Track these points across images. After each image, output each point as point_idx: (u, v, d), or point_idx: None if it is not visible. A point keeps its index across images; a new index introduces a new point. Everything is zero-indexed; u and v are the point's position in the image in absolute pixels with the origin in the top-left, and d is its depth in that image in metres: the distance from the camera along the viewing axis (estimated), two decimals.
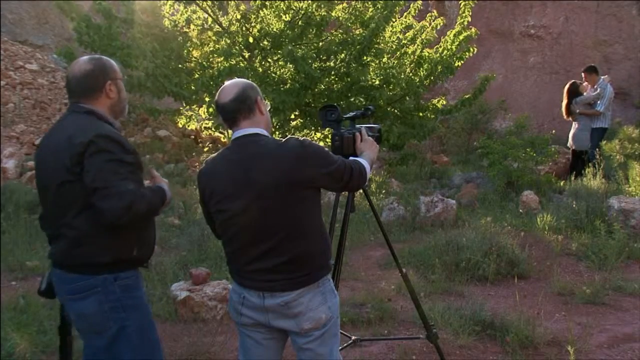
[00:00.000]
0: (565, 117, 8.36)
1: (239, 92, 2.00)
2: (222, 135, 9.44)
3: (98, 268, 1.96)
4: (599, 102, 7.74)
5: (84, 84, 2.04)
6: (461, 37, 8.23)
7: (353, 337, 3.26)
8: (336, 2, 8.06)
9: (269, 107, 2.15)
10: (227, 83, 2.08)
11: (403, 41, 8.64)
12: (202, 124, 9.00)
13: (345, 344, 3.11)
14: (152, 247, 2.16)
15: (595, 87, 7.84)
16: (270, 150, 1.94)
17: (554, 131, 9.20)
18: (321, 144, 2.18)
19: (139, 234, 2.04)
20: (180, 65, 7.74)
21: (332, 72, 7.77)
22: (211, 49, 7.97)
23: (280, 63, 7.79)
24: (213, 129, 8.58)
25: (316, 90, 7.75)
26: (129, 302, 2.01)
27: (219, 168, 2.02)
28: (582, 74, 8.11)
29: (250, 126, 2.01)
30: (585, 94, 7.97)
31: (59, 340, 2.24)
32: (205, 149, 10.22)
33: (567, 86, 8.23)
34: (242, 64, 7.62)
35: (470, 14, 8.33)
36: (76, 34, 7.14)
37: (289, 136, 2.00)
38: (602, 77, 8.03)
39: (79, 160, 1.89)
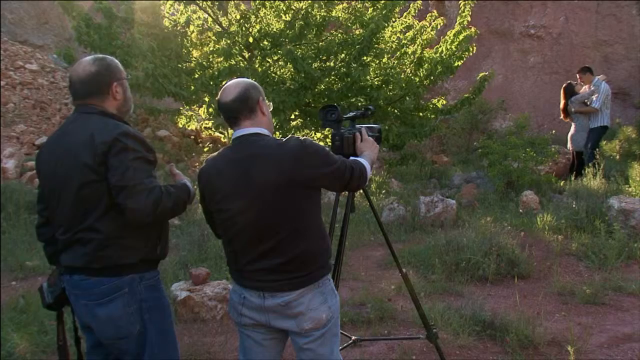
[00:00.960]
0: (563, 118, 8.38)
1: (241, 91, 2.00)
2: (222, 135, 9.44)
3: (124, 269, 1.94)
4: (594, 98, 7.76)
5: (90, 86, 2.00)
6: (461, 37, 8.23)
7: (353, 337, 3.26)
8: (336, 2, 8.06)
9: (271, 108, 2.14)
10: (229, 82, 2.07)
11: (403, 41, 8.64)
12: (202, 124, 9.00)
13: (345, 344, 3.11)
14: (168, 245, 2.16)
15: (590, 86, 7.88)
16: (271, 150, 1.94)
17: (554, 131, 9.21)
18: (321, 144, 2.17)
19: (161, 232, 2.04)
20: (180, 65, 7.74)
21: (332, 72, 7.77)
22: (211, 49, 7.97)
23: (280, 63, 7.79)
24: (213, 129, 8.58)
25: (316, 90, 7.75)
26: (153, 303, 2.00)
27: (220, 167, 2.02)
28: (577, 75, 8.15)
29: (251, 126, 2.00)
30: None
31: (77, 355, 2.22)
32: (205, 149, 10.22)
33: (563, 87, 8.27)
34: (242, 64, 7.62)
35: (470, 13, 8.34)
36: (76, 34, 7.14)
37: (289, 136, 2.00)
38: (597, 76, 8.06)
39: (103, 160, 1.86)
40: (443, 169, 9.88)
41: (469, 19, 8.30)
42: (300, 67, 6.99)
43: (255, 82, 2.10)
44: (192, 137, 11.37)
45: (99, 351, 2.15)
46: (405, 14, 8.76)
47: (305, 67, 6.99)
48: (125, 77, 2.11)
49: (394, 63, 8.34)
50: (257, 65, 7.82)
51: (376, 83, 7.78)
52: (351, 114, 2.64)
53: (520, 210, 6.45)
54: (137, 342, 1.98)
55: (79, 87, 2.01)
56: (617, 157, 9.75)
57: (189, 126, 9.19)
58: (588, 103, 7.89)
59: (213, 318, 3.89)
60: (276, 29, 7.80)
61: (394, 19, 8.09)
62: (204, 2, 8.07)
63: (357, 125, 2.55)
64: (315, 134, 8.33)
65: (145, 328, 1.98)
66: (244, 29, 7.77)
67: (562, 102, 8.16)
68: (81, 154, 1.89)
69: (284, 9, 7.77)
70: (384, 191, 7.60)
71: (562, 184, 7.55)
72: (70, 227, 1.96)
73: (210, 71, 7.55)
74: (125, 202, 1.84)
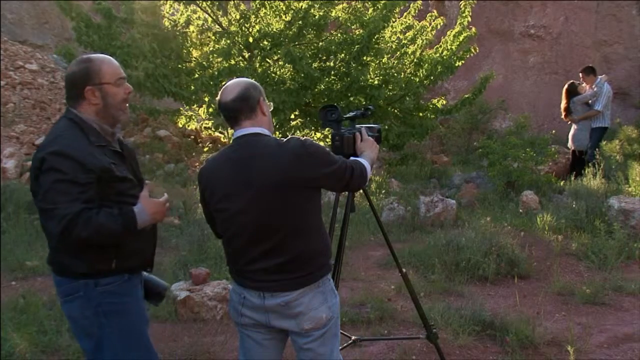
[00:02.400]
0: (564, 118, 8.37)
1: (241, 91, 2.00)
2: (222, 135, 9.44)
3: (77, 274, 1.94)
4: (597, 101, 7.76)
5: (67, 87, 1.99)
6: (461, 37, 8.23)
7: (353, 337, 3.25)
8: (336, 2, 8.06)
9: (272, 108, 2.14)
10: (229, 82, 2.07)
11: (403, 41, 8.64)
12: (202, 124, 9.00)
13: (345, 344, 3.11)
14: (143, 256, 2.08)
15: (593, 86, 7.87)
16: (271, 150, 1.94)
17: (554, 131, 9.20)
18: (321, 144, 2.17)
19: (117, 247, 1.93)
20: (180, 66, 7.74)
21: (332, 72, 7.77)
22: (211, 49, 7.97)
23: (280, 63, 7.79)
24: (213, 129, 8.59)
25: (316, 90, 7.75)
26: (110, 307, 1.95)
27: (220, 167, 2.02)
28: (580, 74, 8.13)
29: (251, 126, 2.00)
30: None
31: None
32: (205, 149, 10.21)
33: (565, 87, 8.26)
34: (241, 64, 7.62)
35: (470, 14, 8.34)
36: (76, 34, 7.14)
37: (290, 136, 2.00)
38: (600, 77, 8.05)
39: (37, 175, 1.86)
40: (443, 169, 9.87)
41: (469, 19, 8.30)
42: (300, 67, 6.99)
43: (256, 82, 2.09)
44: (192, 137, 11.37)
45: None
46: (405, 14, 8.75)
47: (304, 67, 6.99)
48: (109, 82, 1.97)
49: (394, 63, 8.34)
50: (257, 65, 7.82)
51: (376, 83, 7.78)
52: (351, 113, 2.64)
53: (520, 210, 6.44)
54: (98, 344, 1.97)
55: (65, 85, 2.01)
56: (617, 157, 9.74)
57: (188, 126, 9.19)
58: (590, 103, 7.88)
59: (213, 318, 3.89)
60: (276, 29, 7.80)
61: (394, 19, 8.09)
62: (204, 2, 8.07)
63: (357, 125, 2.55)
64: (315, 134, 8.33)
65: (103, 332, 1.95)
66: (243, 29, 7.77)
67: (564, 102, 8.14)
68: (34, 164, 1.91)
69: (284, 9, 7.77)
70: (384, 191, 7.59)
71: (562, 184, 7.55)
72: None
73: (210, 71, 7.55)
74: (43, 223, 1.86)
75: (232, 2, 7.94)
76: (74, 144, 1.87)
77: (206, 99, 7.45)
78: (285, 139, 1.97)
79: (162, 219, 2.02)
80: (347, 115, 2.63)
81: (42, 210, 1.84)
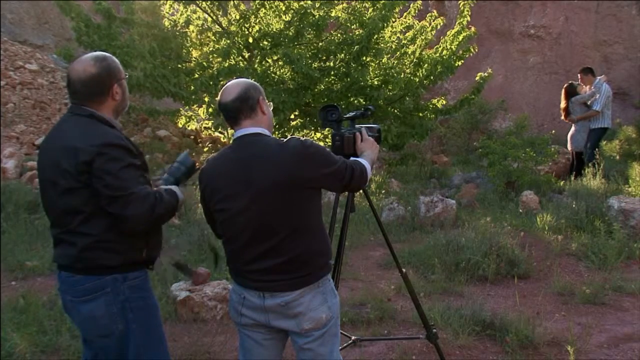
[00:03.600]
0: (563, 118, 8.38)
1: (241, 91, 2.00)
2: (222, 135, 9.45)
3: (106, 269, 1.95)
4: (595, 102, 7.76)
5: (91, 88, 1.98)
6: (461, 37, 8.23)
7: (353, 337, 3.25)
8: (336, 2, 8.06)
9: (272, 108, 2.14)
10: (230, 82, 2.07)
11: (403, 41, 8.64)
12: (202, 124, 9.01)
13: (345, 344, 3.11)
14: (160, 248, 2.16)
15: (591, 87, 7.88)
16: (272, 150, 1.94)
17: (553, 131, 9.20)
18: (321, 144, 2.17)
19: (149, 236, 2.03)
20: (179, 66, 7.74)
21: (332, 72, 7.77)
22: (211, 49, 7.98)
23: (279, 63, 7.79)
24: (213, 129, 8.59)
25: (316, 90, 7.75)
26: (137, 303, 2.00)
27: (220, 167, 2.02)
28: (578, 75, 8.14)
29: (251, 126, 2.00)
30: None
31: None
32: (205, 149, 10.22)
33: (564, 87, 8.27)
34: (241, 64, 7.62)
35: (470, 13, 8.34)
36: (75, 34, 7.14)
37: (290, 136, 2.00)
38: (599, 77, 8.06)
39: (86, 169, 1.86)
40: (443, 169, 9.88)
41: (469, 18, 8.30)
42: (298, 68, 6.99)
43: (255, 82, 2.10)
44: (192, 137, 11.38)
45: None
46: (405, 14, 8.76)
47: (302, 68, 6.99)
48: (124, 76, 2.09)
49: (393, 63, 8.34)
50: (256, 65, 7.82)
51: (376, 83, 7.78)
52: (351, 114, 2.64)
53: (520, 210, 6.44)
54: (119, 342, 1.98)
55: (80, 88, 1.99)
56: (617, 157, 9.75)
57: (188, 126, 9.20)
58: (589, 103, 7.89)
59: (213, 318, 3.89)
60: (276, 29, 7.80)
61: (393, 19, 8.09)
62: (204, 2, 8.07)
63: (357, 126, 2.56)
64: (315, 134, 8.33)
65: (128, 328, 1.98)
66: (243, 29, 7.77)
67: (564, 102, 8.14)
68: (62, 161, 1.89)
69: (284, 9, 7.77)
70: (383, 191, 7.60)
71: (562, 184, 7.55)
72: (58, 226, 2.00)
73: (210, 71, 7.55)
74: (121, 211, 1.85)
75: (232, 2, 7.95)
76: (115, 135, 1.94)
77: (206, 99, 7.46)
78: (285, 139, 1.97)
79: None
80: (347, 116, 2.63)
81: (114, 199, 1.84)
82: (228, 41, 7.51)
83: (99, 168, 1.85)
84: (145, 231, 1.97)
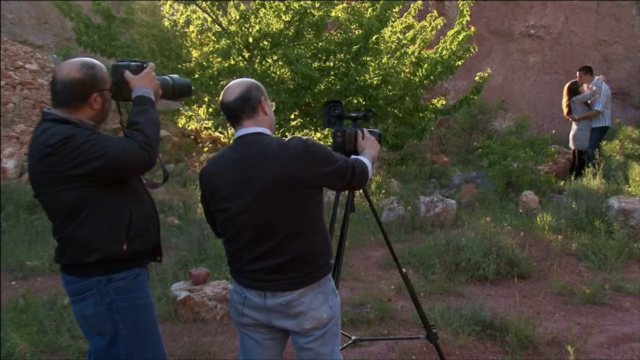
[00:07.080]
0: (565, 115, 8.39)
1: (242, 91, 2.00)
2: (222, 135, 9.45)
3: (88, 269, 1.95)
4: (596, 101, 7.78)
5: (70, 91, 1.96)
6: (460, 37, 8.23)
7: (353, 337, 3.25)
8: (335, 2, 8.06)
9: (273, 108, 2.14)
10: (231, 82, 2.07)
11: (403, 41, 8.64)
12: (202, 124, 9.00)
13: (345, 344, 3.11)
14: (149, 239, 2.10)
15: (590, 86, 7.90)
16: (273, 150, 1.94)
17: (554, 131, 9.21)
18: (321, 143, 2.18)
19: (128, 224, 1.98)
20: (179, 66, 7.73)
21: (332, 72, 7.76)
22: (211, 49, 7.97)
23: (279, 63, 7.79)
24: (213, 129, 8.59)
25: (316, 90, 7.75)
26: (122, 304, 1.98)
27: (221, 167, 2.01)
28: (577, 73, 8.16)
29: (253, 125, 2.00)
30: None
31: None
32: (205, 149, 10.22)
33: (567, 84, 8.29)
34: (241, 64, 7.62)
35: (470, 13, 8.34)
36: (75, 35, 7.14)
37: (291, 136, 2.00)
38: (597, 77, 8.08)
39: (48, 169, 1.87)
40: (443, 169, 9.89)
41: (469, 18, 8.30)
42: (297, 68, 6.98)
43: (257, 82, 2.09)
44: (192, 137, 11.38)
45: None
46: (405, 14, 8.76)
47: (302, 68, 6.98)
48: (109, 87, 2.04)
49: (393, 63, 8.34)
50: (256, 66, 7.82)
51: (375, 83, 7.78)
52: (353, 114, 2.64)
53: (520, 210, 6.45)
54: (112, 342, 2.00)
55: (60, 89, 1.97)
56: (617, 157, 9.75)
57: (188, 126, 9.19)
58: (590, 103, 7.91)
59: (213, 318, 3.89)
60: (276, 29, 7.80)
61: (393, 19, 8.09)
62: (204, 2, 8.07)
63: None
64: (315, 134, 8.33)
65: (116, 329, 1.98)
66: (243, 29, 7.76)
67: (566, 99, 8.18)
68: (38, 165, 1.91)
69: (284, 9, 7.77)
70: (383, 191, 7.60)
71: (562, 184, 7.55)
72: (53, 226, 2.04)
73: (210, 71, 7.54)
74: (120, 158, 1.86)
75: (232, 2, 7.94)
76: (72, 130, 1.91)
77: (206, 99, 7.45)
78: (286, 139, 1.97)
79: (156, 85, 2.11)
80: (350, 115, 2.63)
81: (101, 156, 1.84)
82: (228, 41, 7.49)
83: (65, 154, 1.83)
84: (121, 220, 1.96)
